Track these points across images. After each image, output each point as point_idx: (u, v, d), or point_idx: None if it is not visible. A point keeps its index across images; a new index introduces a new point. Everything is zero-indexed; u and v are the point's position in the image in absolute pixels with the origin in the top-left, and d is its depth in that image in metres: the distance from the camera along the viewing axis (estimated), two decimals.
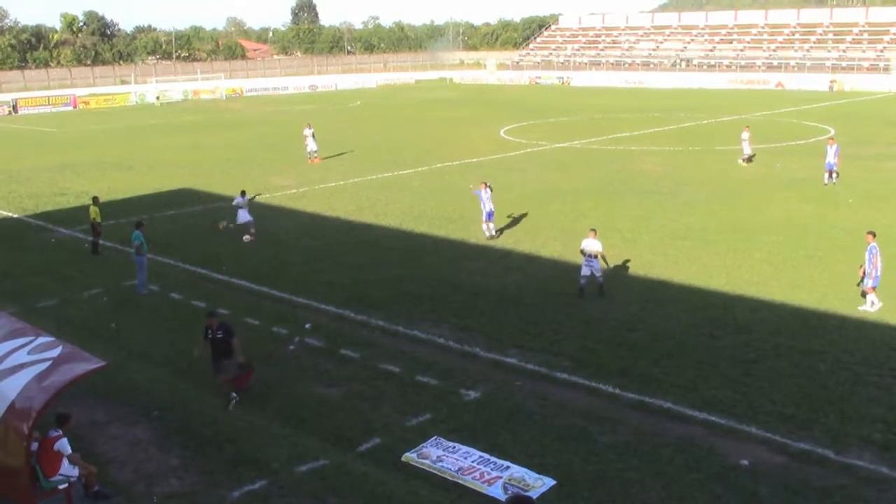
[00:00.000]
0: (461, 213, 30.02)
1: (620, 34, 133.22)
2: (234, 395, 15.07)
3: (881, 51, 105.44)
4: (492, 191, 26.65)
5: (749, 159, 39.85)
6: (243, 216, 27.94)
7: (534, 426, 14.02)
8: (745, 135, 40.13)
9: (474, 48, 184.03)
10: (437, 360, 17.05)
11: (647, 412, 14.46)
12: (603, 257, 20.98)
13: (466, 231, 27.76)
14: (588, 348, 17.48)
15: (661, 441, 13.40)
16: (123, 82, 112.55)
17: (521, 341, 17.95)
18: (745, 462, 12.64)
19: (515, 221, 29.09)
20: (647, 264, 23.39)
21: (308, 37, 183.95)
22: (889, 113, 65.31)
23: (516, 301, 20.78)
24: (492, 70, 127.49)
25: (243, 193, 28.35)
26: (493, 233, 26.83)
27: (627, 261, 23.70)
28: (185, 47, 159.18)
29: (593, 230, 21.17)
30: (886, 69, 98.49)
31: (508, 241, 26.59)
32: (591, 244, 20.70)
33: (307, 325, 19.19)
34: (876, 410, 14.27)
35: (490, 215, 26.54)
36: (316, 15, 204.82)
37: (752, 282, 21.64)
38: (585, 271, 20.79)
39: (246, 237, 27.72)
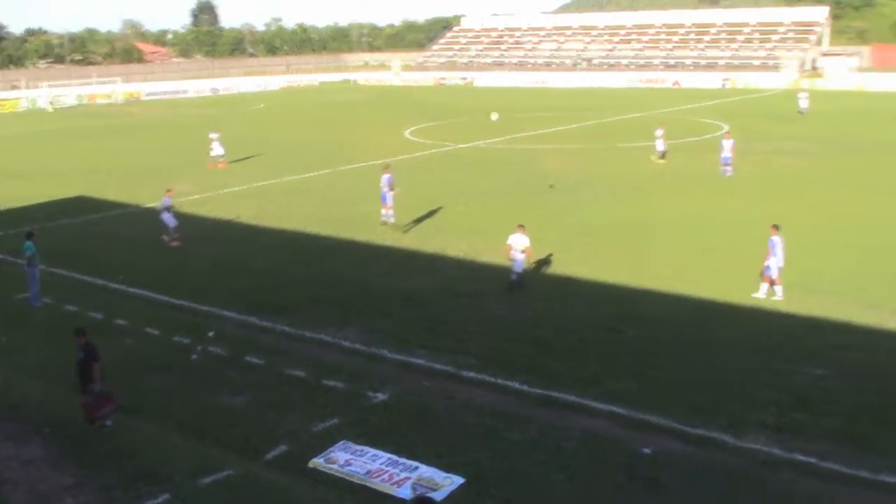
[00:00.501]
0: (367, 215, 29.86)
1: (523, 35, 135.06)
2: (106, 422, 14.27)
3: (771, 49, 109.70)
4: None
5: (663, 156, 40.89)
6: (169, 220, 27.09)
7: (442, 426, 14.02)
8: (660, 132, 41.24)
9: (379, 49, 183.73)
10: (344, 364, 16.89)
11: (554, 407, 14.62)
12: (526, 252, 21.18)
13: (373, 233, 27.64)
14: (495, 346, 17.60)
15: (568, 435, 13.56)
16: (14, 87, 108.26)
17: (428, 342, 17.94)
18: (647, 451, 12.90)
19: (422, 222, 29.11)
20: (553, 261, 23.70)
21: (208, 39, 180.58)
22: (779, 109, 67.95)
23: (423, 302, 20.78)
24: (397, 71, 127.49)
25: (168, 193, 27.57)
26: (391, 219, 27.24)
27: (533, 258, 23.94)
28: (78, 50, 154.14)
29: (521, 226, 21.38)
30: (776, 67, 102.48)
31: (415, 242, 26.58)
32: (519, 239, 20.98)
33: (210, 334, 18.74)
34: (770, 395, 14.77)
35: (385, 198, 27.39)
36: (216, 17, 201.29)
37: (653, 276, 22.14)
38: (515, 266, 21.08)
39: (167, 238, 26.96)
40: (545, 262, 23.65)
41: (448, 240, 26.64)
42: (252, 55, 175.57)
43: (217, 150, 43.59)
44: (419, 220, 29.16)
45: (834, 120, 58.47)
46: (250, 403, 15.22)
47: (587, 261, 23.77)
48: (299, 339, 18.49)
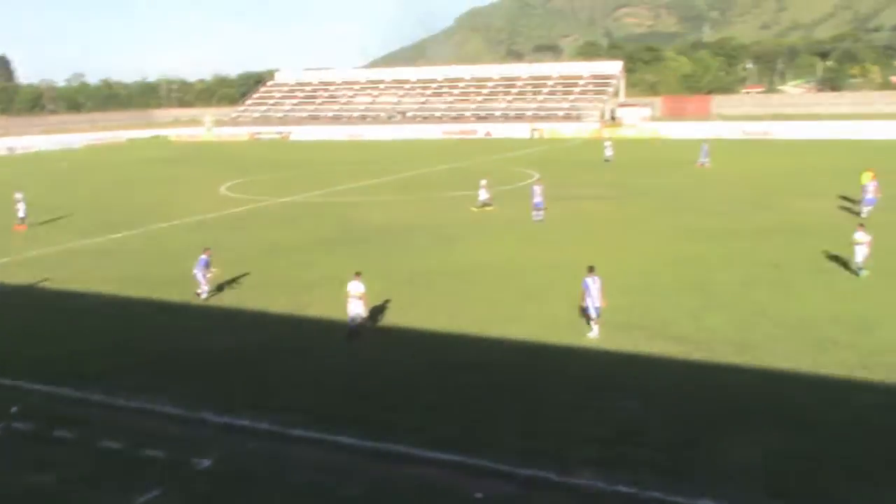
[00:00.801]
0: (183, 273, 28.78)
1: (337, 89, 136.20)
2: None
3: (573, 101, 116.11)
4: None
5: (485, 205, 42.09)
6: None
7: (269, 487, 13.61)
8: (484, 182, 42.97)
9: (190, 105, 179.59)
10: (163, 431, 16.10)
11: (385, 459, 14.54)
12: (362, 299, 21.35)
13: (189, 293, 26.63)
14: (322, 401, 17.35)
15: (399, 486, 13.51)
16: None
17: (253, 401, 17.44)
18: (479, 495, 13.05)
19: (240, 279, 28.42)
20: (376, 311, 23.71)
21: (3, 96, 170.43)
22: (583, 156, 71.80)
23: (247, 360, 20.21)
24: (209, 127, 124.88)
25: None
26: (204, 295, 26.03)
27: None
28: None
29: (358, 273, 21.64)
30: (579, 117, 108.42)
31: (234, 300, 25.90)
32: (355, 286, 21.21)
33: (13, 409, 17.39)
34: (593, 431, 15.35)
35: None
36: (11, 73, 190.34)
37: (473, 320, 22.61)
38: (352, 313, 21.24)
39: None
40: (371, 312, 23.62)
41: (270, 296, 26.14)
42: (52, 112, 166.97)
43: (21, 211, 41.09)
44: (239, 278, 28.46)
45: (634, 166, 62.27)
46: (61, 481, 14.19)
47: (410, 309, 23.98)
48: (114, 407, 17.47)
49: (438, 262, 30.00)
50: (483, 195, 42.38)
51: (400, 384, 18.21)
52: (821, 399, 16.66)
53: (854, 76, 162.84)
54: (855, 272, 26.24)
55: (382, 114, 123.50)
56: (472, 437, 15.21)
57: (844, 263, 27.05)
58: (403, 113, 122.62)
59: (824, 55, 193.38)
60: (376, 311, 23.59)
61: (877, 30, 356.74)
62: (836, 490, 12.97)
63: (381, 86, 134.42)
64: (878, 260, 27.04)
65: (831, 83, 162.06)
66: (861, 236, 26.13)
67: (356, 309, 21.38)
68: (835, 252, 28.33)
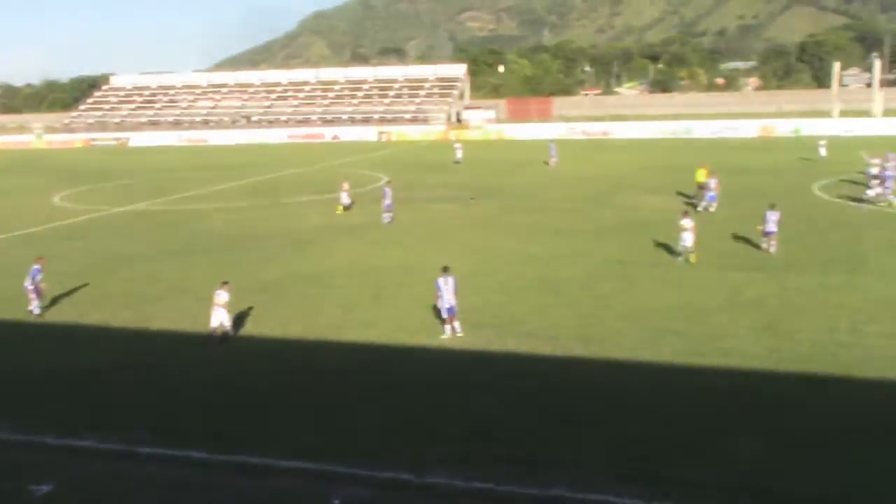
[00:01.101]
0: (15, 291, 27.08)
1: (178, 93, 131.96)
2: None
3: (420, 103, 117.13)
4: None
5: (347, 208, 41.85)
6: None
7: None
8: (346, 185, 42.85)
9: (17, 111, 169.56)
10: None
11: (239, 471, 14.21)
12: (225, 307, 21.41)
13: (21, 311, 25.05)
14: (171, 416, 16.75)
15: (255, 498, 13.24)
16: None
17: (97, 421, 16.62)
18: (336, 501, 12.95)
19: (78, 293, 27.04)
20: (229, 321, 23.10)
21: None
22: (431, 158, 72.61)
23: (89, 379, 19.22)
24: (39, 134, 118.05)
25: None
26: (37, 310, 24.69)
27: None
28: None
29: (225, 282, 21.80)
30: (426, 120, 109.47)
31: (74, 315, 24.62)
32: (220, 295, 21.32)
33: None
34: (449, 429, 15.54)
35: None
36: None
37: (328, 326, 22.44)
38: (214, 322, 21.26)
39: None
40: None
41: (112, 310, 25.00)
42: None
43: None
44: (76, 290, 27.08)
45: (483, 167, 63.45)
46: None
47: (264, 318, 23.52)
48: None
49: (290, 269, 29.56)
50: (345, 199, 42.20)
51: (254, 395, 17.82)
52: (660, 385, 17.52)
53: (682, 78, 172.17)
54: (679, 255, 28.37)
55: (226, 118, 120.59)
56: (329, 444, 15.08)
57: (680, 255, 28.57)
58: (248, 117, 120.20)
59: (655, 58, 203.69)
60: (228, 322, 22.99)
61: (702, 34, 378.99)
62: (670, 471, 13.64)
63: (224, 90, 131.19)
64: (711, 252, 28.73)
65: (662, 85, 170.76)
66: (687, 223, 28.20)
67: (220, 317, 21.26)
68: (671, 245, 29.82)
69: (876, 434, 14.83)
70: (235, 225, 39.75)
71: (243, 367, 19.71)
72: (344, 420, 16.22)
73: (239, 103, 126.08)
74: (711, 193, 38.45)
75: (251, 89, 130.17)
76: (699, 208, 37.98)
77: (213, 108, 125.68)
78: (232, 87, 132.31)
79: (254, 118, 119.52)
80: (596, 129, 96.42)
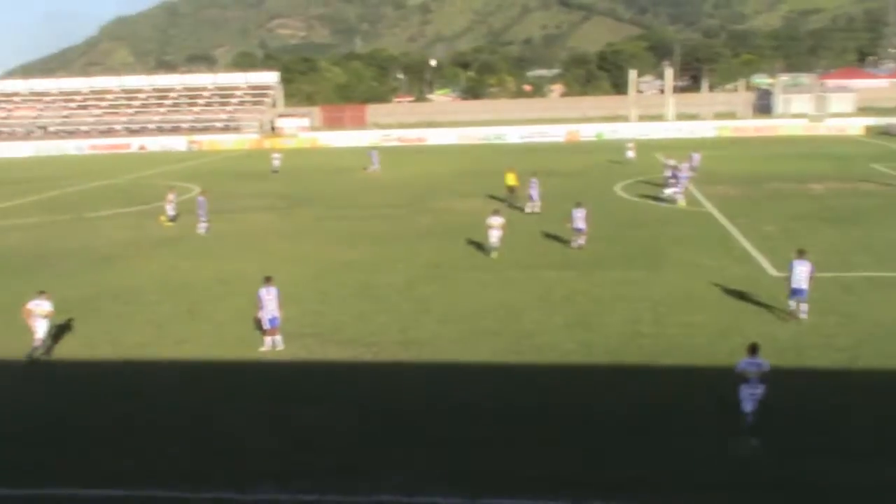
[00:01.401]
0: None
1: None
2: None
3: (232, 112, 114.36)
4: None
5: (172, 220, 40.20)
6: None
7: None
8: (171, 196, 41.00)
9: None
10: None
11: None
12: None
13: None
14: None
15: None
16: None
17: None
18: None
19: None
20: (30, 348, 21.43)
21: None
22: (244, 167, 71.13)
23: None
24: None
25: None
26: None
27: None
28: None
29: (41, 291, 21.06)
30: (238, 128, 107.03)
31: None
32: (42, 305, 20.63)
33: None
34: (272, 443, 15.19)
35: None
36: None
37: (139, 344, 21.39)
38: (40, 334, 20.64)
39: None
40: (18, 350, 21.39)
41: None
42: None
43: None
44: None
45: (299, 175, 62.69)
46: None
47: (68, 340, 22.07)
48: None
49: (97, 287, 27.95)
50: (170, 210, 40.48)
51: (57, 422, 16.69)
52: (477, 385, 17.90)
53: (492, 86, 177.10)
54: (489, 253, 29.77)
55: (19, 129, 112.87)
56: (144, 468, 14.35)
57: (493, 258, 29.38)
58: (44, 128, 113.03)
59: (466, 66, 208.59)
60: (28, 350, 21.44)
61: (510, 43, 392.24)
62: (492, 468, 13.98)
63: (17, 99, 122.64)
64: (524, 252, 29.76)
65: (473, 92, 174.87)
66: (495, 220, 29.59)
67: (42, 329, 20.57)
68: (484, 247, 30.59)
69: (675, 417, 15.82)
70: (34, 242, 37.20)
71: (46, 392, 18.41)
72: (156, 443, 15.47)
73: (34, 113, 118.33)
74: (534, 191, 39.70)
75: (47, 98, 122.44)
76: (527, 210, 39.35)
77: (4, 118, 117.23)
78: (26, 95, 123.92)
79: (51, 129, 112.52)
80: (411, 136, 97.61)
